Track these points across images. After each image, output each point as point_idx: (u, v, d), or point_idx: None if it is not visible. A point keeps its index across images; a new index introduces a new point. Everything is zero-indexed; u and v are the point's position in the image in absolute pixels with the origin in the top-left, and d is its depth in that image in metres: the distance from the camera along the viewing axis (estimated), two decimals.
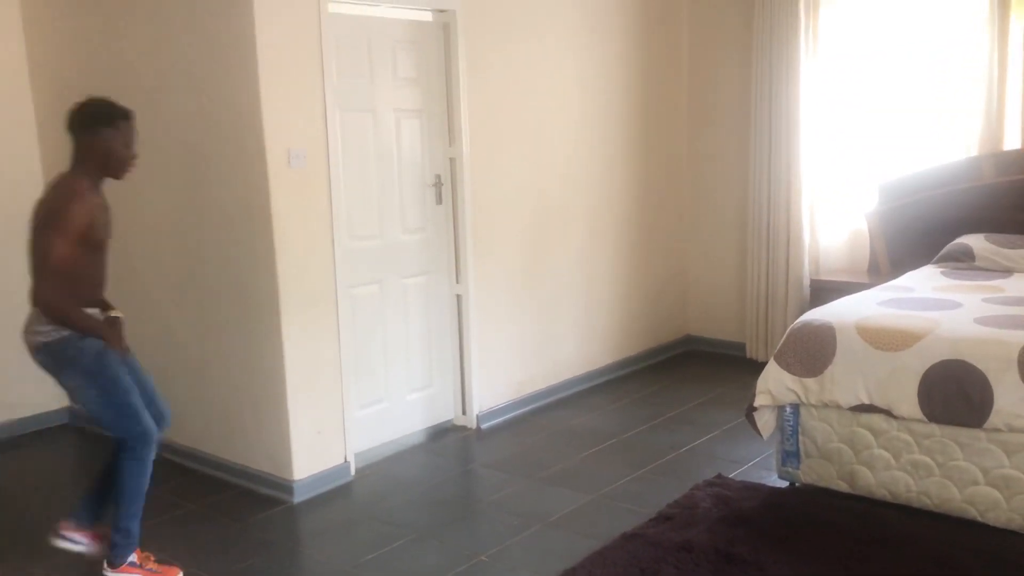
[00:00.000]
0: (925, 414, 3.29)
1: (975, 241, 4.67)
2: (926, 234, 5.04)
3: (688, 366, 5.86)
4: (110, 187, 4.51)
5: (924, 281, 4.29)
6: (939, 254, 4.75)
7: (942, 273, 4.48)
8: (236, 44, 3.70)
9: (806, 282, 5.47)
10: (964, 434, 3.24)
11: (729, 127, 5.87)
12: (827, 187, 5.50)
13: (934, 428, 3.30)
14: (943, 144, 5.16)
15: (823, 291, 5.24)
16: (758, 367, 5.58)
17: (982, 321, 3.44)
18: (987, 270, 4.49)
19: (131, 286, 4.53)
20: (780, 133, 5.43)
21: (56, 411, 5.03)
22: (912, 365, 3.32)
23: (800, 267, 5.46)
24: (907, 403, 3.32)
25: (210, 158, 3.96)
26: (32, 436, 4.87)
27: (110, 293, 4.63)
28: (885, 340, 3.41)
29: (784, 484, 3.78)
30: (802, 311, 5.42)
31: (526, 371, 5.00)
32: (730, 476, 3.91)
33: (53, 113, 4.77)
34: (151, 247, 4.38)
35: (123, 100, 4.28)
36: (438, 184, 4.55)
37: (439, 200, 4.56)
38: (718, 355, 6.03)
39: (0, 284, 4.75)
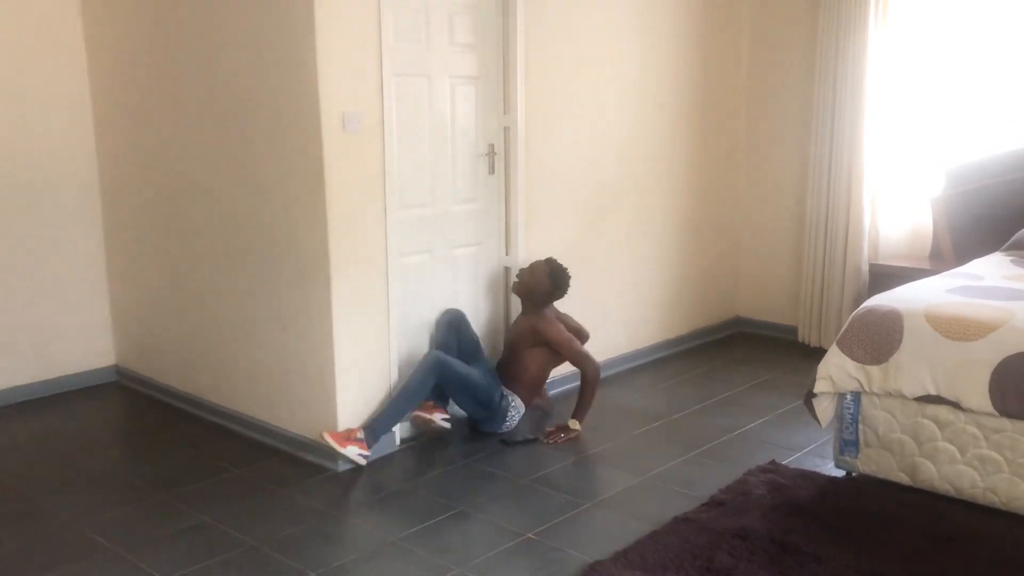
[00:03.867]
0: (996, 408, 3.16)
1: None
2: (993, 221, 4.86)
3: (737, 348, 5.74)
4: (161, 145, 4.49)
5: (993, 269, 4.13)
6: (1008, 242, 4.57)
7: (1012, 262, 4.31)
8: (293, 3, 3.62)
9: (865, 267, 5.30)
10: None
11: (791, 103, 5.69)
12: (890, 169, 5.31)
13: (1005, 423, 3.17)
14: (1014, 128, 4.95)
15: (882, 276, 5.09)
16: (810, 351, 5.51)
17: None
18: None
19: (180, 246, 4.52)
20: (844, 111, 5.24)
21: (104, 368, 5.06)
22: (984, 356, 3.19)
23: (859, 250, 5.29)
24: (977, 395, 3.19)
25: (264, 119, 3.90)
26: (79, 393, 4.90)
27: (161, 253, 4.63)
28: (956, 329, 3.27)
29: (840, 473, 3.66)
30: (859, 296, 5.29)
31: None
32: (784, 463, 3.80)
33: (108, 72, 4.76)
34: (202, 207, 4.34)
35: (176, 60, 4.30)
36: (491, 154, 4.45)
37: (491, 170, 4.47)
38: (769, 338, 5.90)
39: (46, 250, 4.78)
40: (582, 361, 4.19)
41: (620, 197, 5.12)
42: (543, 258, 4.37)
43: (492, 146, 4.45)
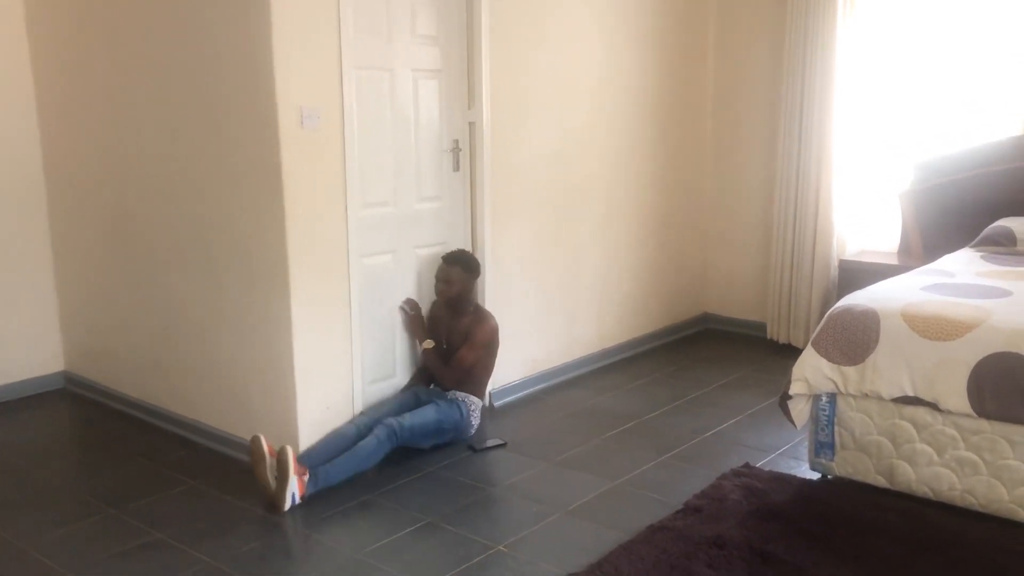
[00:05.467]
0: (974, 409, 3.10)
1: (1017, 224, 4.47)
2: (962, 216, 4.84)
3: (706, 346, 5.67)
4: (111, 141, 4.29)
5: (964, 265, 4.09)
6: (978, 237, 4.54)
7: (982, 257, 4.28)
8: None
9: (834, 262, 5.25)
10: (1017, 431, 3.05)
11: (758, 98, 5.62)
12: (859, 164, 5.26)
13: (983, 424, 3.11)
14: (984, 122, 4.92)
15: (852, 272, 5.05)
16: (779, 348, 5.46)
17: None
18: None
19: (133, 248, 4.33)
20: (813, 105, 5.18)
21: (51, 375, 4.84)
22: (962, 356, 3.13)
23: (828, 246, 5.24)
24: (955, 396, 3.13)
25: (218, 114, 3.72)
26: (25, 401, 4.68)
27: (111, 253, 4.44)
28: (934, 329, 3.21)
29: (816, 476, 3.60)
30: (829, 292, 5.24)
31: (541, 348, 4.81)
32: (758, 465, 3.73)
33: (52, 62, 4.54)
34: (154, 205, 4.16)
35: (124, 51, 4.10)
36: (455, 150, 4.31)
37: (456, 167, 4.33)
38: (737, 335, 5.84)
39: None
40: (448, 376, 4.04)
41: (587, 194, 5.02)
42: (441, 263, 4.12)
43: (456, 142, 4.31)
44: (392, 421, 3.76)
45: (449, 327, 4.17)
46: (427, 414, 3.88)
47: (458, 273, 4.08)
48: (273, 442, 3.63)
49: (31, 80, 4.63)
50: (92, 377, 4.72)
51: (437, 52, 4.16)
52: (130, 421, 4.40)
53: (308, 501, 3.45)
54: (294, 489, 3.41)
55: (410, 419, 3.81)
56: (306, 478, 3.46)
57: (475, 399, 4.09)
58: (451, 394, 4.05)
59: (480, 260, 4.36)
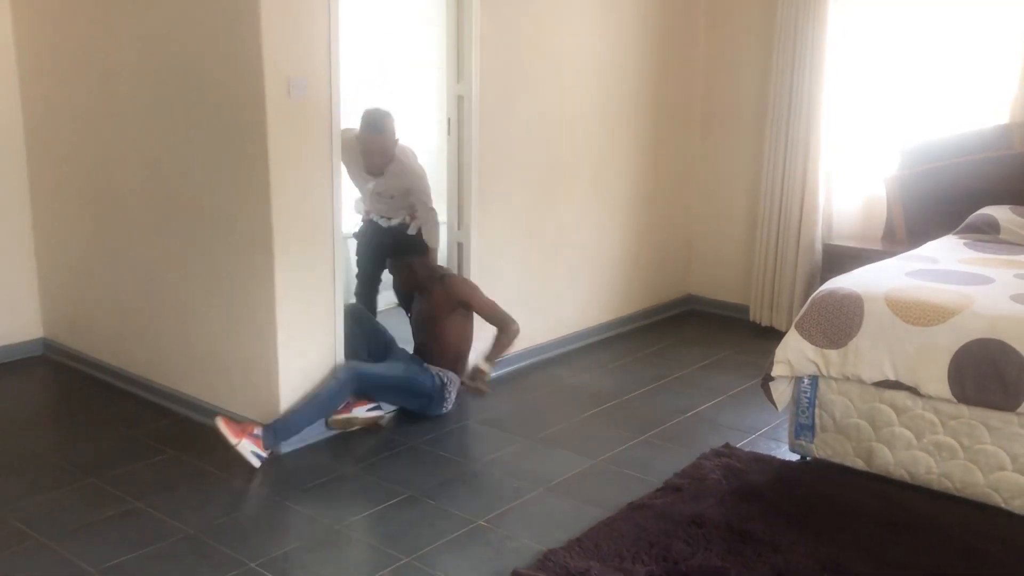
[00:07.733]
0: (955, 394, 3.12)
1: (1000, 213, 4.49)
2: (947, 203, 4.85)
3: (689, 327, 5.68)
4: (94, 108, 4.23)
5: (948, 252, 4.11)
6: (962, 224, 4.56)
7: (965, 245, 4.30)
8: None
9: (818, 246, 5.27)
10: (995, 417, 3.08)
11: (747, 81, 5.61)
12: (846, 148, 5.26)
13: (963, 409, 3.14)
14: (972, 109, 4.93)
15: (836, 256, 5.07)
16: (761, 331, 5.49)
17: (1019, 299, 3.25)
18: (1012, 244, 4.32)
19: (114, 216, 4.29)
20: (802, 87, 5.17)
21: (30, 341, 4.80)
22: (944, 342, 3.15)
23: (813, 230, 5.25)
24: (936, 381, 3.15)
25: (203, 83, 3.67)
26: (3, 367, 4.63)
27: (92, 220, 4.39)
28: (916, 314, 3.23)
29: (795, 458, 3.62)
30: (813, 275, 5.27)
31: (525, 326, 4.75)
32: (738, 446, 3.75)
33: (34, 27, 4.46)
34: (136, 172, 4.11)
35: (109, 17, 4.03)
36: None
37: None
38: (720, 316, 5.86)
39: None
40: (507, 324, 4.06)
41: (574, 172, 5.00)
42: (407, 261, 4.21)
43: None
44: (356, 364, 3.78)
45: (423, 310, 4.15)
46: (394, 368, 3.91)
47: (417, 261, 4.13)
48: (249, 413, 3.64)
49: (12, 47, 4.55)
50: (71, 345, 4.69)
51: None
52: (109, 389, 4.37)
53: (290, 467, 3.47)
54: (251, 449, 3.46)
55: (376, 368, 3.85)
56: (256, 432, 3.49)
57: (453, 375, 4.08)
58: (427, 367, 4.04)
59: (467, 237, 4.34)
